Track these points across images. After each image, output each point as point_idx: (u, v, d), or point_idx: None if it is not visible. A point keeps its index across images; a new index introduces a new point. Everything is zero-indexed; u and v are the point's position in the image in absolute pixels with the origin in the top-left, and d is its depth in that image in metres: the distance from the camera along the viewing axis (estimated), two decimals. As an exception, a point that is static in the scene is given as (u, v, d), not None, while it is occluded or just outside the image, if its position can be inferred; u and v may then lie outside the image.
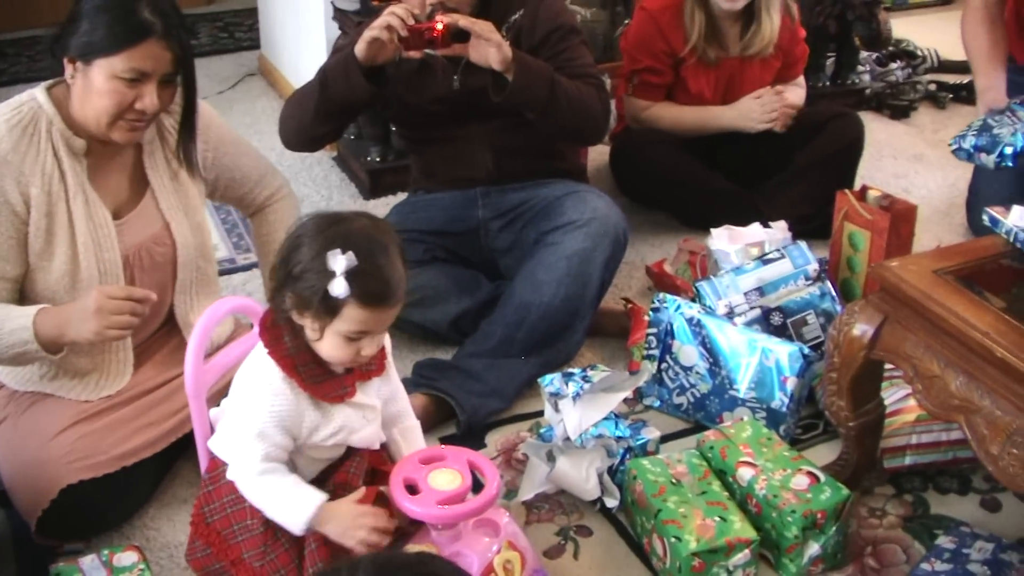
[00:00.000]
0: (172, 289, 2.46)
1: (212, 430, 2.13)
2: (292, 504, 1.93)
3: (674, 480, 2.29)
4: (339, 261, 1.82)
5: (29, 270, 2.28)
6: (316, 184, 3.95)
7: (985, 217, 2.27)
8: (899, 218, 2.80)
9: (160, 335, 2.51)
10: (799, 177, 3.51)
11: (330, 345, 1.90)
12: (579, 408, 2.38)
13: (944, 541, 2.27)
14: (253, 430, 1.93)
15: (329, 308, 1.85)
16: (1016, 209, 2.25)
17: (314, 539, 1.96)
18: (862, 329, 2.22)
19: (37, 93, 2.27)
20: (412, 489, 2.01)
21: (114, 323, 2.13)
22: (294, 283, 1.87)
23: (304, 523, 1.92)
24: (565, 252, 2.76)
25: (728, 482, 2.31)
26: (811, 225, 3.31)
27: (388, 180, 3.83)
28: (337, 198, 3.86)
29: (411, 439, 2.17)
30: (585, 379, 2.40)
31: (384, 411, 2.12)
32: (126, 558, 2.16)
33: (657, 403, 2.72)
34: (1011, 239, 2.21)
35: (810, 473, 2.27)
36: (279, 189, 2.70)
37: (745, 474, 2.28)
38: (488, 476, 2.06)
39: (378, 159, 3.84)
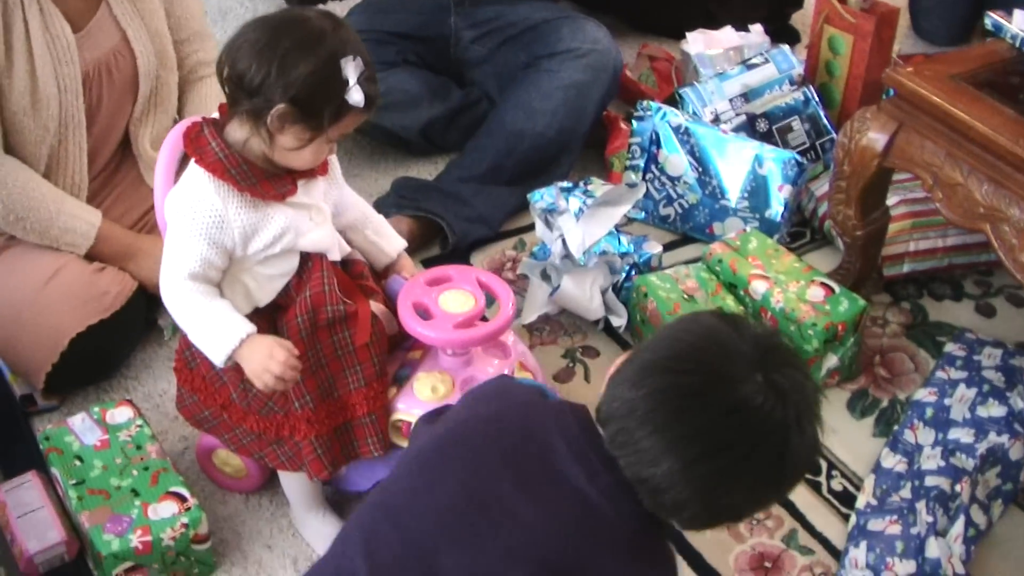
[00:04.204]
0: (132, 105, 2.25)
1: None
2: (217, 332, 1.75)
3: (686, 296, 2.23)
4: (351, 68, 1.69)
5: None
6: (234, -8, 3.68)
7: (988, 22, 2.21)
8: (883, 21, 2.71)
9: (113, 166, 2.30)
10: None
11: (313, 152, 1.75)
12: (582, 225, 2.28)
13: (953, 348, 2.27)
14: (177, 246, 1.76)
15: (335, 115, 1.72)
16: (1018, 14, 2.20)
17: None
18: (875, 137, 2.16)
19: None
20: (423, 313, 1.90)
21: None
22: (294, 97, 1.69)
23: (225, 355, 1.74)
24: (563, 82, 2.65)
25: (740, 296, 2.26)
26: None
27: (316, -18, 3.60)
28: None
29: (384, 232, 2.01)
30: (586, 194, 2.30)
31: (347, 219, 1.97)
32: (119, 414, 2.03)
33: (642, 215, 2.63)
34: (1017, 44, 2.16)
35: (824, 284, 2.23)
36: (211, 64, 2.29)
37: (759, 287, 2.23)
38: (501, 295, 1.94)
39: (303, -40, 3.60)
